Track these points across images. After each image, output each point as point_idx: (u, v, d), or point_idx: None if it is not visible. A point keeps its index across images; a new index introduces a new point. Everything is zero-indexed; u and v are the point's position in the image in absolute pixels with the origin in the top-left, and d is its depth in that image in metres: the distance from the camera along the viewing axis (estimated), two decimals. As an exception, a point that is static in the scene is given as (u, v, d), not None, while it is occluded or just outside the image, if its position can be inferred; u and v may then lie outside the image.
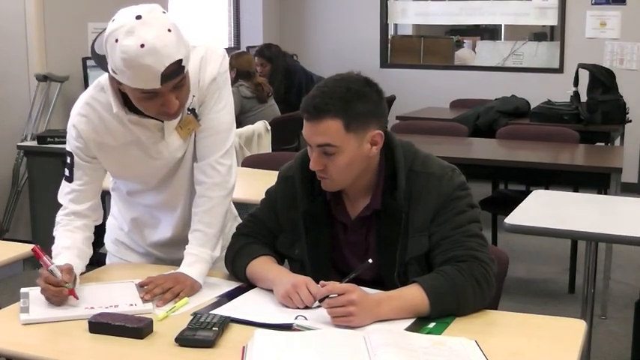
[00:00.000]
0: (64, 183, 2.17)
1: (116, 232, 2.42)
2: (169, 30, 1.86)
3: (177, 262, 2.14)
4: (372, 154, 1.97)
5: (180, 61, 1.88)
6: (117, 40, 1.85)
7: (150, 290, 1.97)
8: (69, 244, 2.09)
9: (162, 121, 2.08)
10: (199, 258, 2.10)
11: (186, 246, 2.14)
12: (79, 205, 2.15)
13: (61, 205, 2.17)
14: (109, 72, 1.95)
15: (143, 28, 1.84)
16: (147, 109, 1.98)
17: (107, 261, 2.44)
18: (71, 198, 2.15)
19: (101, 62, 1.97)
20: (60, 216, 2.16)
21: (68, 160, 2.14)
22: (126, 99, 2.02)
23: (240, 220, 2.25)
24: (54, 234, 2.15)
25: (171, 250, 2.31)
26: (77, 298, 1.92)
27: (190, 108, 2.11)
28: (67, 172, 2.15)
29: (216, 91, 2.14)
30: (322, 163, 1.93)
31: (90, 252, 2.16)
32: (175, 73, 1.89)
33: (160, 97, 1.92)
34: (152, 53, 1.83)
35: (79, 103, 2.13)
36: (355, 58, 7.35)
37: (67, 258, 2.02)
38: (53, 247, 2.11)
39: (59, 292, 1.90)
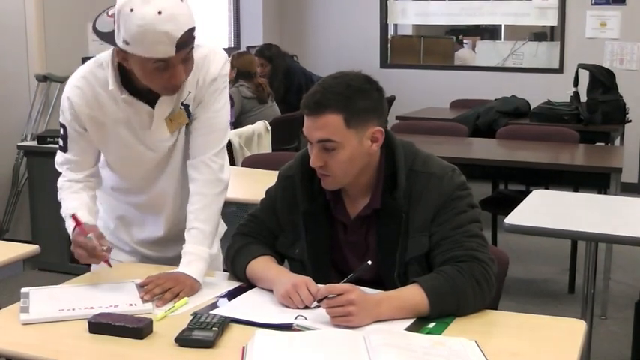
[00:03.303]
0: (59, 152, 2.22)
1: (102, 231, 2.42)
2: (182, 0, 1.93)
3: (165, 261, 2.15)
4: (373, 152, 1.97)
5: (194, 29, 1.94)
6: (132, 10, 1.87)
7: (149, 290, 1.97)
8: (77, 205, 2.14)
9: (153, 108, 2.09)
10: (198, 257, 2.10)
11: (184, 245, 2.14)
12: (77, 173, 2.20)
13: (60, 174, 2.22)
14: (117, 46, 1.97)
15: None
16: (153, 81, 2.00)
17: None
18: (68, 167, 2.21)
19: (108, 38, 1.99)
20: (61, 181, 2.22)
21: (62, 132, 2.18)
22: (123, 78, 2.04)
23: (227, 227, 2.24)
24: (59, 199, 2.20)
25: (159, 247, 2.32)
26: (111, 266, 2.05)
27: (184, 103, 2.13)
28: (61, 143, 2.20)
29: (216, 91, 2.16)
30: (323, 160, 1.93)
31: (97, 209, 2.22)
32: (188, 42, 1.94)
33: (170, 68, 1.96)
34: (170, 20, 1.88)
35: (76, 75, 2.15)
36: (355, 59, 7.35)
37: (81, 216, 2.08)
38: (62, 211, 2.16)
39: (100, 254, 1.99)
